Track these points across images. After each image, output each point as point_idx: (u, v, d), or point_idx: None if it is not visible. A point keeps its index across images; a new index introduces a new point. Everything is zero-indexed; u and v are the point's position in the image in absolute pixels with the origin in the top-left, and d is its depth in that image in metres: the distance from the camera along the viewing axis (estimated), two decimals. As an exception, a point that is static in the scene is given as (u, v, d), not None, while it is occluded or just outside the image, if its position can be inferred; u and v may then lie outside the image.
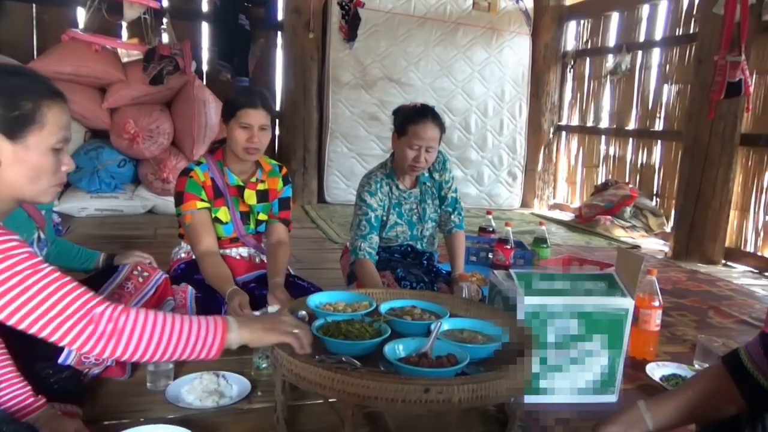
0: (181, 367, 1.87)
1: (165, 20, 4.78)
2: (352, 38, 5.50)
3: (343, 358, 1.47)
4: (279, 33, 5.69)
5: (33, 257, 1.14)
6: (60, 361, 1.61)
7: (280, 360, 1.40)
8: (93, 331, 1.14)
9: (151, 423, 1.53)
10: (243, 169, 2.34)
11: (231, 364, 1.87)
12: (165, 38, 4.78)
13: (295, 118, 5.57)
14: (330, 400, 1.73)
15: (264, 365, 1.90)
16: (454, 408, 1.29)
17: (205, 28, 5.50)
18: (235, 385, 1.79)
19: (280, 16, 5.63)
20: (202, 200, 2.23)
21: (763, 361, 1.11)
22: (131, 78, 4.37)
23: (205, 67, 5.46)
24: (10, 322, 1.11)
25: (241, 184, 2.33)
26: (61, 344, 1.14)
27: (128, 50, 4.75)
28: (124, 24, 4.83)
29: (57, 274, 1.15)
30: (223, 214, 2.29)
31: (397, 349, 1.50)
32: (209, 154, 2.34)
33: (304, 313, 1.72)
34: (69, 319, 1.12)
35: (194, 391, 1.72)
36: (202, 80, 5.15)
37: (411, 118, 2.41)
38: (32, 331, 1.12)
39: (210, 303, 2.13)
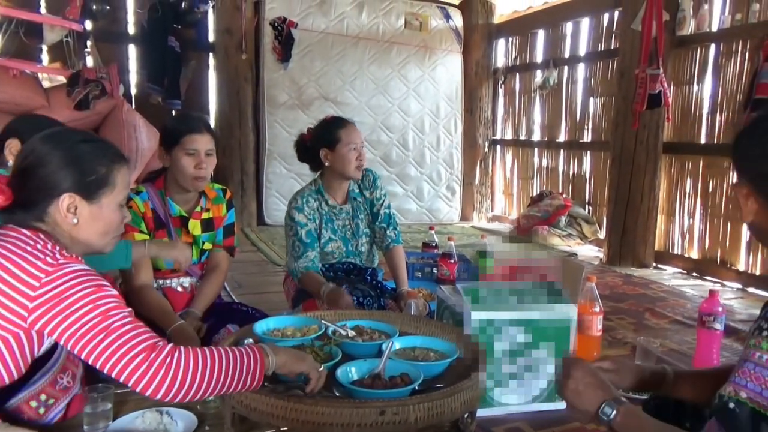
0: (121, 407, 1.77)
1: (89, 43, 4.61)
2: (286, 59, 5.48)
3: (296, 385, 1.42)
4: (210, 54, 5.60)
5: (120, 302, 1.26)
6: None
7: (229, 392, 1.35)
8: (163, 378, 1.20)
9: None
10: (186, 199, 2.24)
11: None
12: (90, 61, 4.61)
13: (231, 141, 5.47)
14: (282, 429, 1.68)
15: (211, 398, 1.82)
16: (411, 428, 1.27)
17: (132, 50, 5.34)
18: (180, 422, 1.70)
19: (210, 38, 5.55)
20: (141, 232, 2.13)
21: None
22: (54, 103, 4.17)
23: (134, 91, 5.30)
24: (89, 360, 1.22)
25: (185, 214, 2.24)
26: (128, 383, 1.21)
27: (50, 75, 4.54)
28: (45, 47, 4.62)
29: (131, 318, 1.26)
30: None
31: (350, 371, 1.47)
32: (149, 183, 2.24)
33: (251, 340, 1.67)
34: (134, 360, 1.20)
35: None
36: (132, 104, 4.99)
37: (336, 125, 2.49)
38: (105, 370, 1.21)
39: None
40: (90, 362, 1.22)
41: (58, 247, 1.29)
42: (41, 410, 1.52)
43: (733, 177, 3.94)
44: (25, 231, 1.29)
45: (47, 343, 1.34)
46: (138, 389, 1.21)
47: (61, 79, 4.38)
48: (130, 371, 1.19)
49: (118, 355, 1.19)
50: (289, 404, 1.26)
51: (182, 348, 1.24)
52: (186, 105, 5.27)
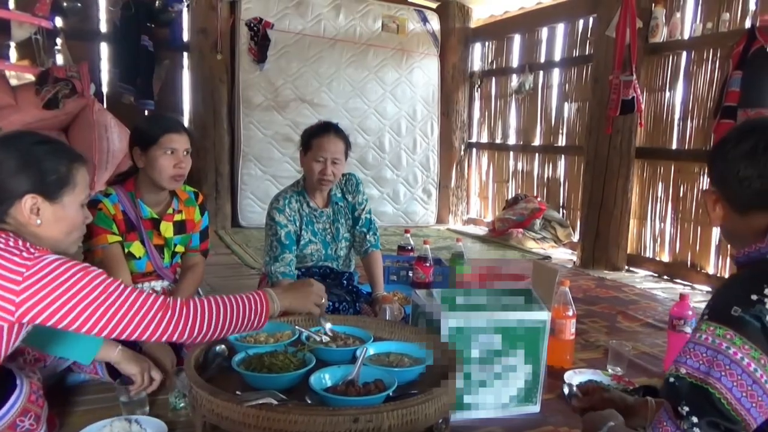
0: (88, 416, 1.73)
1: (59, 40, 4.51)
2: (262, 59, 5.43)
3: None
4: (185, 54, 5.52)
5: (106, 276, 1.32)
6: None
7: (200, 400, 1.32)
8: (171, 318, 1.31)
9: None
10: (158, 200, 2.21)
11: (131, 406, 1.74)
12: (60, 60, 4.51)
13: (206, 141, 5.40)
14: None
15: (182, 404, 1.79)
16: (385, 435, 1.26)
17: (104, 49, 5.23)
18: (150, 429, 1.66)
19: (185, 37, 5.47)
20: (114, 234, 2.08)
21: None
22: (22, 102, 4.07)
23: (105, 90, 5.19)
24: (104, 333, 1.28)
25: (156, 216, 2.20)
26: (145, 337, 1.31)
27: (18, 72, 4.42)
28: (13, 44, 4.50)
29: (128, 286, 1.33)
30: (136, 248, 2.15)
31: (324, 378, 1.46)
32: (119, 185, 2.19)
33: (223, 347, 1.64)
34: (149, 313, 1.29)
35: (104, 441, 1.59)
36: (103, 104, 4.89)
37: (314, 133, 2.48)
38: (124, 336, 1.30)
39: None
40: (103, 334, 1.29)
41: (28, 244, 1.30)
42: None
43: (704, 182, 4.03)
44: None
45: (23, 334, 1.34)
46: (165, 340, 1.33)
47: (30, 78, 4.27)
48: (152, 330, 1.30)
49: (138, 319, 1.28)
50: (262, 413, 1.24)
51: (192, 300, 1.37)
52: (159, 105, 5.18)
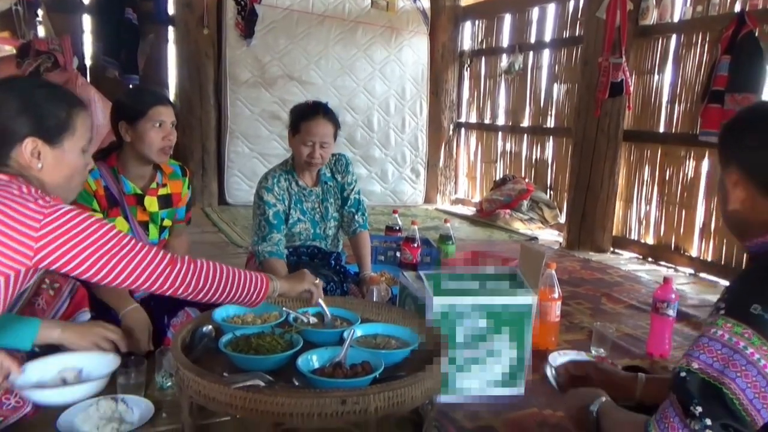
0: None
1: (40, 12, 4.40)
2: (249, 35, 5.35)
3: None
4: (170, 28, 5.42)
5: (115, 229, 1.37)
6: None
7: (187, 381, 1.32)
8: (178, 272, 1.39)
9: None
10: (141, 174, 2.19)
11: (129, 388, 1.74)
12: (41, 32, 4.41)
13: (191, 118, 5.34)
14: (241, 416, 1.66)
15: (168, 384, 1.79)
16: (371, 417, 1.27)
17: (87, 21, 5.12)
18: (136, 409, 1.66)
19: (170, 11, 5.37)
20: (94, 210, 2.06)
21: None
22: (3, 75, 3.98)
23: (88, 63, 5.09)
24: (106, 280, 1.34)
25: (140, 192, 2.18)
26: (152, 288, 1.38)
27: (-2, 45, 4.33)
28: (-7, 16, 4.39)
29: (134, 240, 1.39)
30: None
31: (311, 360, 1.46)
32: (100, 161, 2.16)
33: (210, 327, 1.63)
34: (158, 266, 1.37)
35: (90, 420, 1.58)
36: (86, 77, 4.80)
37: (303, 116, 2.45)
38: (132, 285, 1.38)
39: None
40: (114, 283, 1.35)
41: (39, 191, 1.32)
42: (51, 292, 1.69)
43: (690, 166, 4.05)
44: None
45: (36, 278, 1.43)
46: (170, 293, 1.41)
47: (10, 50, 4.17)
48: (160, 282, 1.38)
49: (149, 272, 1.36)
50: (249, 395, 1.23)
51: (199, 260, 1.44)
52: (144, 80, 5.10)
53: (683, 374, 1.02)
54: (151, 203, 2.21)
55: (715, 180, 1.16)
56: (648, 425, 1.05)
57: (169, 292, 1.41)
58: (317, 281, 1.68)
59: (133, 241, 1.37)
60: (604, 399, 1.27)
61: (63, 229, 1.28)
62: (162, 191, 2.25)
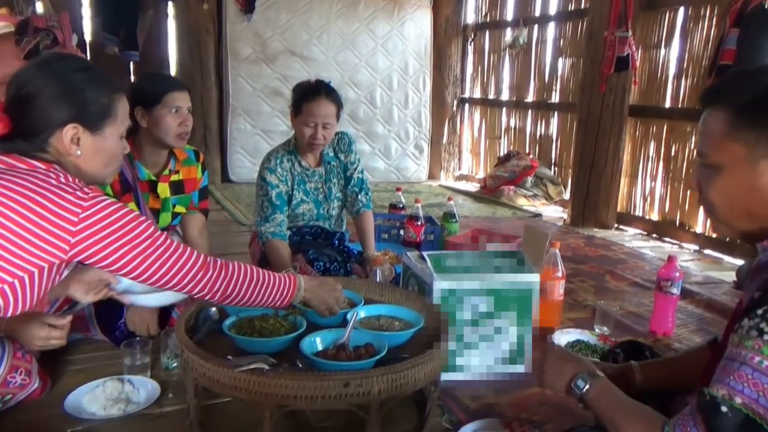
0: (80, 377, 1.74)
1: (38, -12, 4.34)
2: (249, 10, 5.27)
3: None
4: (169, 3, 5.34)
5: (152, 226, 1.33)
6: None
7: (191, 364, 1.33)
8: (210, 277, 1.36)
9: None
10: (156, 161, 2.20)
11: (135, 369, 1.75)
12: (39, 8, 4.36)
13: (192, 95, 5.12)
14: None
15: (174, 365, 1.80)
16: (374, 399, 1.28)
17: (85, -3, 5.06)
18: (142, 389, 1.68)
19: (170, -15, 5.29)
20: (107, 195, 2.05)
21: None
22: (2, 53, 3.94)
23: (88, 39, 5.04)
24: (142, 278, 1.32)
25: (153, 178, 2.19)
26: (184, 290, 1.36)
27: (-4, 22, 4.27)
28: (-10, -8, 4.34)
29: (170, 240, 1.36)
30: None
31: (314, 342, 1.47)
32: None
33: (214, 309, 1.64)
34: (192, 269, 1.34)
35: (97, 401, 1.61)
36: (86, 54, 4.75)
37: (305, 96, 2.42)
38: (165, 285, 1.34)
39: (109, 312, 1.96)
40: (145, 281, 1.33)
41: (77, 180, 1.30)
42: None
43: (695, 142, 4.01)
44: (36, 164, 1.28)
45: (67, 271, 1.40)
46: (197, 296, 1.39)
47: (6, 26, 4.13)
48: (191, 285, 1.35)
49: (181, 275, 1.33)
50: (253, 377, 1.24)
51: (231, 263, 1.40)
52: (144, 57, 5.05)
53: (725, 409, 0.91)
54: (164, 189, 2.22)
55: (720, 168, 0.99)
56: (665, 427, 0.97)
57: (198, 296, 1.38)
58: (338, 289, 1.60)
59: (169, 240, 1.34)
60: (602, 375, 1.16)
61: (101, 224, 1.24)
62: (174, 177, 2.26)
